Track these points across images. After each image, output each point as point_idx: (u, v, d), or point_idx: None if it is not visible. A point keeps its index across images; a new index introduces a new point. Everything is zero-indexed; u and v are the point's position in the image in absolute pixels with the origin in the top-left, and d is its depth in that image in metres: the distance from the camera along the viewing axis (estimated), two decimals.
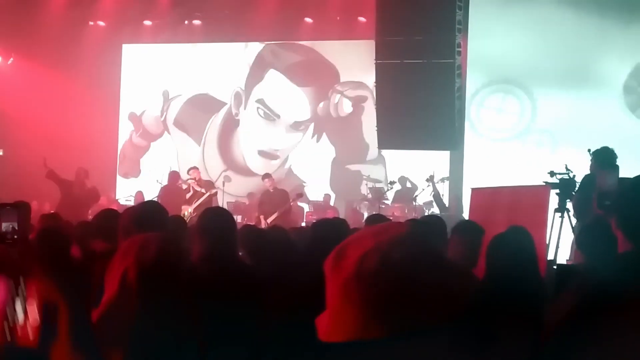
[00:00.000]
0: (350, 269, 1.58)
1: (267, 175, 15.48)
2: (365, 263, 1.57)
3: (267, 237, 6.05)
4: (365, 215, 16.53)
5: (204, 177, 15.94)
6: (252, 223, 13.33)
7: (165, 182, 16.29)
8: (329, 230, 4.84)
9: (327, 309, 1.63)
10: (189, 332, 2.62)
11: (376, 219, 7.34)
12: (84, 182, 14.98)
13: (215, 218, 4.70)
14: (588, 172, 9.29)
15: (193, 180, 15.23)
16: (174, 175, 16.28)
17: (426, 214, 15.66)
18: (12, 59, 19.33)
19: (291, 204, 15.07)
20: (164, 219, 4.78)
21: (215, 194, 15.33)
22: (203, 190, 14.97)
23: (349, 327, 1.56)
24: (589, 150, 9.30)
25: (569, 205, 9.25)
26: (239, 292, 4.17)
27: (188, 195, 15.29)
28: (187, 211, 14.43)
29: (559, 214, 9.24)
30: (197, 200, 14.89)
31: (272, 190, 14.95)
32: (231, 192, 17.92)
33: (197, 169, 15.53)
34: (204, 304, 2.76)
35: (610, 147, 9.12)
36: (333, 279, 1.61)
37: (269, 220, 14.05)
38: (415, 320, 1.56)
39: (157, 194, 15.77)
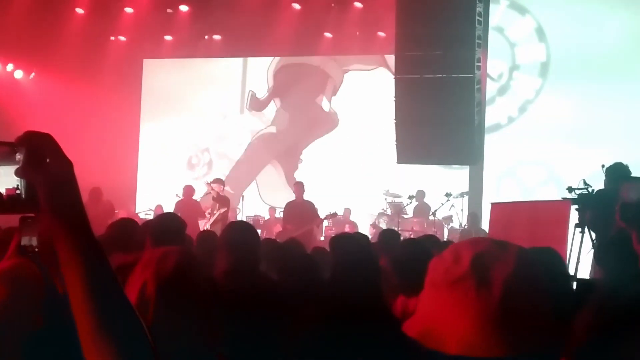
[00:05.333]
0: (498, 293, 1.64)
1: (216, 180, 15.48)
2: (512, 286, 1.65)
3: (290, 251, 6.04)
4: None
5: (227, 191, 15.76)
6: (273, 237, 13.26)
7: (181, 196, 16.29)
8: (351, 246, 4.82)
9: (455, 323, 1.68)
10: (207, 346, 2.62)
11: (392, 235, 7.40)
12: (97, 202, 15.03)
13: (240, 232, 4.71)
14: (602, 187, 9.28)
15: (212, 193, 15.23)
16: (188, 190, 16.23)
17: (445, 229, 15.67)
18: (33, 73, 19.47)
19: (322, 220, 14.96)
20: (181, 232, 4.78)
21: (227, 212, 15.16)
22: (217, 206, 14.97)
23: (483, 344, 1.63)
24: (602, 166, 9.28)
25: None
26: (263, 307, 4.16)
27: (207, 210, 15.31)
28: (206, 227, 14.42)
29: (579, 229, 9.19)
30: (212, 217, 14.90)
31: (298, 201, 14.69)
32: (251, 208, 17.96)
33: (219, 181, 15.42)
34: (228, 318, 2.76)
35: (623, 162, 9.12)
36: (477, 301, 1.66)
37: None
38: (538, 341, 1.66)
39: (173, 209, 15.76)
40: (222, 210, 14.94)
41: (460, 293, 1.67)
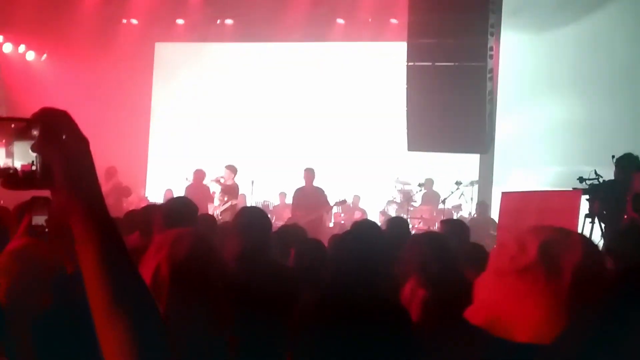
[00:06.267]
0: (568, 281, 1.68)
1: (228, 167, 15.44)
2: (581, 274, 1.69)
3: (296, 236, 6.04)
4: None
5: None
6: (283, 223, 13.23)
7: (191, 181, 16.28)
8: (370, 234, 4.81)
9: (523, 310, 1.72)
10: (220, 328, 2.62)
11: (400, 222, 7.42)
12: (112, 181, 15.12)
13: (252, 217, 4.71)
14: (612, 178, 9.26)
15: (221, 179, 15.22)
16: (199, 174, 16.21)
17: (454, 217, 15.64)
18: (45, 55, 19.48)
19: (332, 207, 14.90)
20: (193, 215, 4.78)
21: (236, 205, 15.00)
22: (226, 198, 14.96)
23: (554, 332, 1.64)
24: (613, 157, 9.25)
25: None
26: (273, 292, 4.16)
27: (218, 193, 15.30)
28: (215, 213, 14.42)
29: (590, 220, 9.18)
30: (223, 205, 14.90)
31: (307, 187, 14.63)
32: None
33: (231, 168, 15.37)
34: (238, 302, 2.76)
35: (633, 153, 9.10)
36: (547, 289, 1.69)
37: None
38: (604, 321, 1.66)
39: (183, 194, 15.73)
40: (233, 202, 14.92)
41: (529, 281, 1.70)
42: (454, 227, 7.36)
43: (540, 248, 1.71)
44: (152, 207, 5.75)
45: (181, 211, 4.71)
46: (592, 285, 1.64)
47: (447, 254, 5.11)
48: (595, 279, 1.66)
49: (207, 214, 8.12)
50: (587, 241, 1.73)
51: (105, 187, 14.91)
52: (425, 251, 5.09)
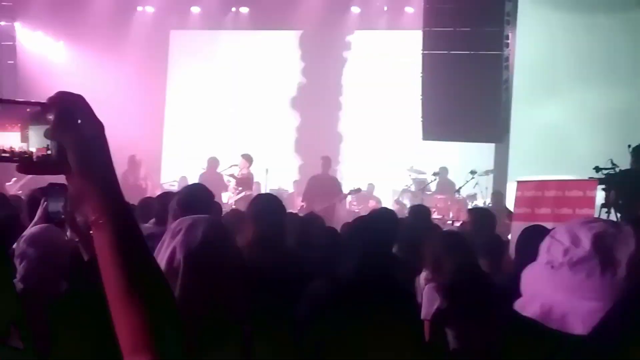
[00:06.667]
0: (623, 272, 1.72)
1: (243, 156, 15.40)
2: (636, 265, 1.73)
3: (312, 225, 6.05)
4: (408, 206, 16.44)
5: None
6: (297, 211, 13.22)
7: (205, 169, 16.31)
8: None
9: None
10: (234, 314, 2.63)
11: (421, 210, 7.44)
12: (137, 172, 15.16)
13: (266, 204, 4.72)
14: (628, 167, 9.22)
15: (235, 170, 15.23)
16: (212, 163, 16.23)
17: (469, 206, 15.60)
18: (61, 42, 19.51)
19: (346, 195, 14.89)
20: (208, 202, 4.79)
21: (250, 195, 14.98)
22: (240, 188, 14.96)
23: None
24: (629, 146, 9.22)
25: None
26: (286, 278, 4.17)
27: (232, 184, 15.30)
28: (230, 202, 14.46)
29: (605, 210, 9.14)
30: (238, 194, 14.91)
31: (322, 176, 14.62)
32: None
33: (246, 157, 15.36)
34: (252, 288, 2.77)
35: None
36: (602, 281, 1.73)
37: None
38: None
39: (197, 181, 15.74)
40: (247, 192, 14.90)
41: (583, 274, 1.73)
42: (482, 217, 7.41)
43: (593, 240, 1.75)
44: (167, 194, 5.76)
45: (197, 198, 4.71)
46: None
47: (462, 252, 5.12)
48: None
49: (215, 202, 8.15)
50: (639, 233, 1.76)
51: (135, 173, 15.00)
52: (439, 248, 5.12)
